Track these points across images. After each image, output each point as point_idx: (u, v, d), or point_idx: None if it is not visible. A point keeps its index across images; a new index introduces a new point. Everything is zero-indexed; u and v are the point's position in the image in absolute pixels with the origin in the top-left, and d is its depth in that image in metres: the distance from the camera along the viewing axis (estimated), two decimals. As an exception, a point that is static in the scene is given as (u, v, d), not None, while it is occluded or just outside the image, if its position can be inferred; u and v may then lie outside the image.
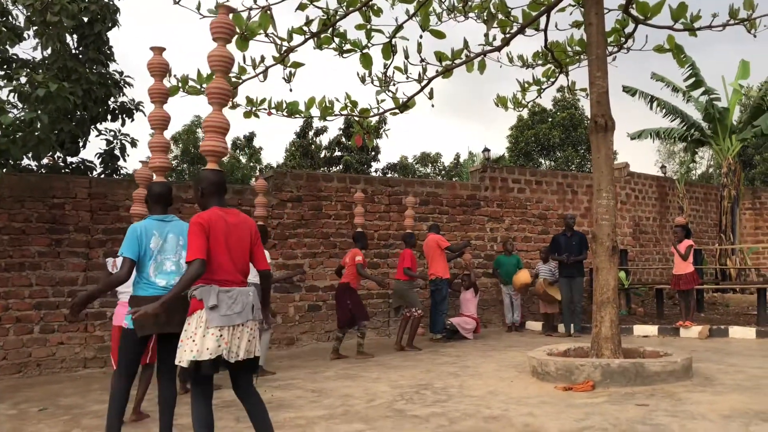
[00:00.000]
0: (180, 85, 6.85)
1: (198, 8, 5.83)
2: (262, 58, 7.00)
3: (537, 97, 8.64)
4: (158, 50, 5.28)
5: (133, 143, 9.60)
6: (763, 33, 6.91)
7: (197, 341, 3.36)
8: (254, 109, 7.51)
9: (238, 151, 33.08)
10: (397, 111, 7.74)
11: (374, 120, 8.84)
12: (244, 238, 3.61)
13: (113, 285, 4.19)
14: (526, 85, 8.46)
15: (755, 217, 18.04)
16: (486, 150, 25.09)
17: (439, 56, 7.31)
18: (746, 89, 17.92)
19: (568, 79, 8.41)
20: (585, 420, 4.55)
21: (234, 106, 7.44)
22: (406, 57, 7.15)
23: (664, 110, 15.66)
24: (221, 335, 3.37)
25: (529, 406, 5.08)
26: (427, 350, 8.74)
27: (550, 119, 30.11)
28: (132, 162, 41.51)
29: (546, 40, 7.69)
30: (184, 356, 3.40)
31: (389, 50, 6.97)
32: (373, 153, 30.07)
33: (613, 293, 6.36)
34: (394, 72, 7.31)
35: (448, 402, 5.34)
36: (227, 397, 5.63)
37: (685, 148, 26.88)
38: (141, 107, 9.53)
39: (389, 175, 30.34)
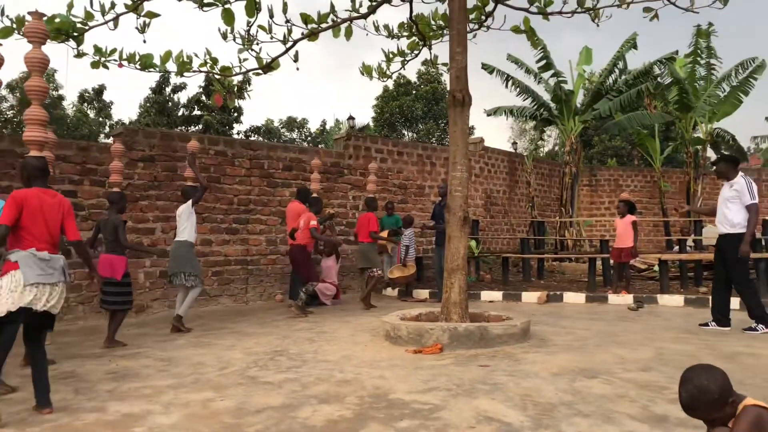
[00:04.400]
0: (15, 26, 6.14)
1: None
2: (113, 5, 6.46)
3: (401, 68, 8.77)
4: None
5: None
6: (605, 23, 7.48)
7: (8, 296, 3.91)
8: (103, 59, 6.95)
9: (86, 104, 30.51)
10: (260, 71, 7.50)
11: (236, 79, 8.51)
12: (56, 215, 4.22)
13: None
14: (391, 56, 8.55)
15: (591, 193, 19.85)
16: (351, 118, 25.21)
17: (305, 18, 7.15)
18: (590, 74, 19.44)
19: (431, 53, 8.60)
20: (431, 381, 4.78)
21: (80, 55, 6.82)
22: (271, 16, 6.92)
23: (518, 89, 16.58)
24: (33, 292, 3.94)
25: (381, 369, 5.25)
26: (283, 317, 8.72)
27: (414, 92, 30.80)
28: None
29: (411, 11, 7.79)
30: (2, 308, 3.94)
31: (253, 7, 6.70)
32: (235, 114, 29.08)
33: (463, 261, 6.68)
34: (257, 31, 7.06)
35: (302, 367, 5.37)
36: (66, 368, 5.35)
37: (534, 126, 28.75)
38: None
39: (252, 138, 29.54)
